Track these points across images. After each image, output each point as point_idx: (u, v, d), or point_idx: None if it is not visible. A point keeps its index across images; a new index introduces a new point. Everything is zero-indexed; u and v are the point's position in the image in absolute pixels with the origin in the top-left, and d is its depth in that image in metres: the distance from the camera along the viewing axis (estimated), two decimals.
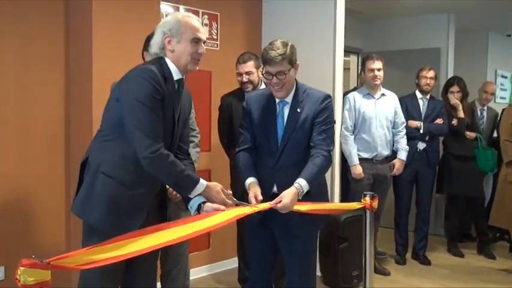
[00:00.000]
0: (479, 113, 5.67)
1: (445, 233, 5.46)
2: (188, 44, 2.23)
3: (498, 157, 5.21)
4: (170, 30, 2.23)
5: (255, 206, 2.38)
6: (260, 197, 2.44)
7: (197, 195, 2.24)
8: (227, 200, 2.29)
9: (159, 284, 3.14)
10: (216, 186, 2.29)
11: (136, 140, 2.09)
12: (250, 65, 3.54)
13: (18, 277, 1.55)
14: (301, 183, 2.39)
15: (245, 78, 3.55)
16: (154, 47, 2.27)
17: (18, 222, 3.46)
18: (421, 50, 5.98)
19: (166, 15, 3.95)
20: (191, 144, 3.20)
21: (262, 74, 2.58)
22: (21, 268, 1.55)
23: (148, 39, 2.89)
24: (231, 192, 2.34)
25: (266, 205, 2.38)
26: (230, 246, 4.61)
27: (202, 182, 2.24)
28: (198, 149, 3.24)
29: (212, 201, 2.25)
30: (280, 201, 2.35)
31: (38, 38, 3.52)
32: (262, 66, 2.60)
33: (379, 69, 4.28)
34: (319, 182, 2.65)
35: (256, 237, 2.77)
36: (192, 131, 3.18)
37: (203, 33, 2.29)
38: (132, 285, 2.38)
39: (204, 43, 2.29)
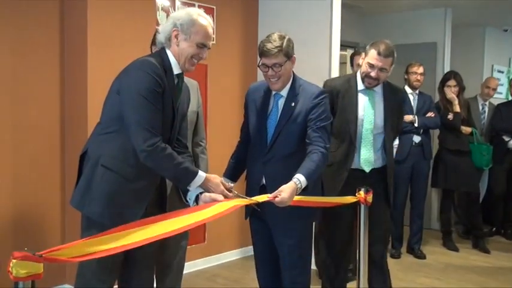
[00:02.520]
0: (480, 108, 5.71)
1: (440, 227, 5.48)
2: (194, 45, 2.22)
3: (493, 152, 5.24)
4: (182, 26, 2.21)
5: (253, 198, 2.37)
6: (227, 185, 2.38)
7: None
8: (227, 192, 2.28)
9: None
10: (216, 178, 2.29)
11: (134, 133, 2.09)
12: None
13: (10, 269, 1.55)
14: (301, 178, 2.37)
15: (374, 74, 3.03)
16: (162, 34, 2.26)
17: (13, 216, 3.45)
18: (417, 45, 5.97)
19: (161, 8, 3.95)
20: (198, 149, 3.18)
21: (258, 66, 2.58)
22: (14, 260, 1.55)
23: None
24: (232, 185, 2.34)
25: (264, 198, 2.37)
26: (226, 240, 4.63)
27: (201, 174, 2.24)
28: (204, 156, 3.20)
29: (211, 193, 2.25)
30: (278, 196, 2.33)
31: (33, 31, 3.50)
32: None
33: None
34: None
35: (254, 230, 2.78)
36: (197, 135, 3.16)
37: (211, 40, 2.29)
38: (130, 279, 2.38)
39: (208, 49, 2.29)
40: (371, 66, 3.00)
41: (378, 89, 3.15)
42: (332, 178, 3.10)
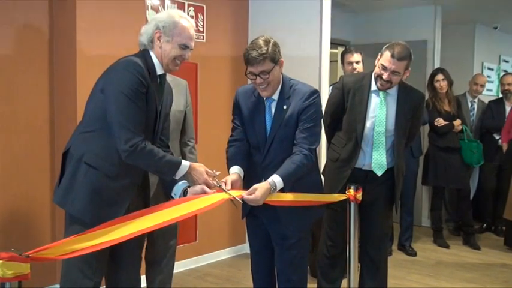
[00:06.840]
0: (469, 104, 5.73)
1: (431, 224, 5.51)
2: (176, 46, 2.24)
3: (483, 150, 5.26)
4: (164, 28, 2.22)
5: (230, 192, 2.36)
6: (228, 184, 2.39)
7: (181, 181, 2.29)
8: (210, 181, 2.30)
9: (143, 277, 3.14)
10: (200, 167, 2.32)
11: (117, 132, 2.11)
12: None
13: None
14: (275, 179, 2.39)
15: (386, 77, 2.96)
16: (144, 36, 2.27)
17: (2, 216, 3.43)
18: (407, 43, 5.89)
19: (151, 7, 3.93)
20: (187, 149, 3.16)
21: (246, 75, 2.50)
22: (0, 261, 1.54)
23: None
24: (218, 172, 2.34)
25: (239, 193, 2.38)
26: (217, 239, 4.62)
27: (185, 163, 2.27)
28: (192, 156, 3.16)
29: (195, 182, 2.29)
30: (252, 194, 2.34)
31: (22, 29, 3.47)
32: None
33: (357, 62, 4.24)
34: (313, 177, 2.67)
35: (250, 229, 2.77)
36: (185, 135, 3.14)
37: (193, 41, 2.30)
38: (116, 277, 2.39)
39: (191, 50, 2.30)
40: (384, 68, 2.93)
41: (393, 91, 3.05)
42: (335, 174, 3.10)
